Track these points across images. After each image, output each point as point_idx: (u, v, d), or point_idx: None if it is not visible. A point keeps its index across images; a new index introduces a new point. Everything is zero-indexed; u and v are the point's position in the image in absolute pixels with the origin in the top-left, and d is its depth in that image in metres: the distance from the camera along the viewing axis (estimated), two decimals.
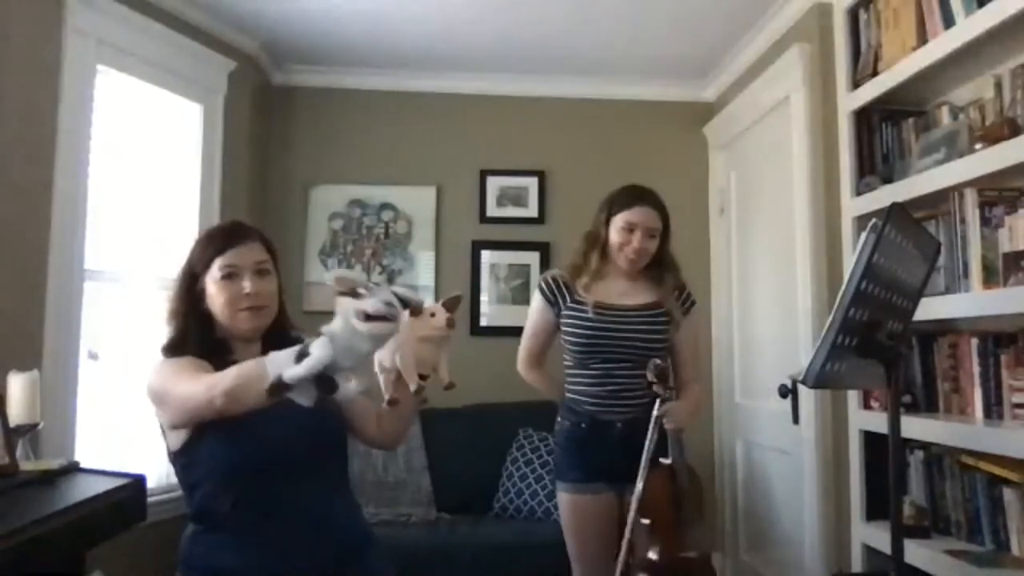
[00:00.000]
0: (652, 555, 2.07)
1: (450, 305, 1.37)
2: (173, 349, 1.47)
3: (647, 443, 2.01)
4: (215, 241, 1.49)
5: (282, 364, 1.18)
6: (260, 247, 1.52)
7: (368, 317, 1.15)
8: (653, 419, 2.04)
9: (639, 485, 2.00)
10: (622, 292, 2.24)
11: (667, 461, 2.09)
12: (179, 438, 1.42)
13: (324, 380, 1.18)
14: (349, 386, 1.23)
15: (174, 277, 1.52)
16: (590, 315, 2.19)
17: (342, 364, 1.19)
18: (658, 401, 2.06)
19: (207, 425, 1.35)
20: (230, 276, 1.45)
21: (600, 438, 2.17)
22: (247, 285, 1.45)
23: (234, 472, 1.38)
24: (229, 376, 1.25)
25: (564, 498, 2.24)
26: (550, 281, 2.29)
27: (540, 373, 2.37)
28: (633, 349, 2.17)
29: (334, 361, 1.17)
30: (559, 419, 2.30)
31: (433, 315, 1.34)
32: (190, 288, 1.48)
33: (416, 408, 1.51)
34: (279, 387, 1.17)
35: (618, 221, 2.21)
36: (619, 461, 2.13)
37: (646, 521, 2.06)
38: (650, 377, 2.08)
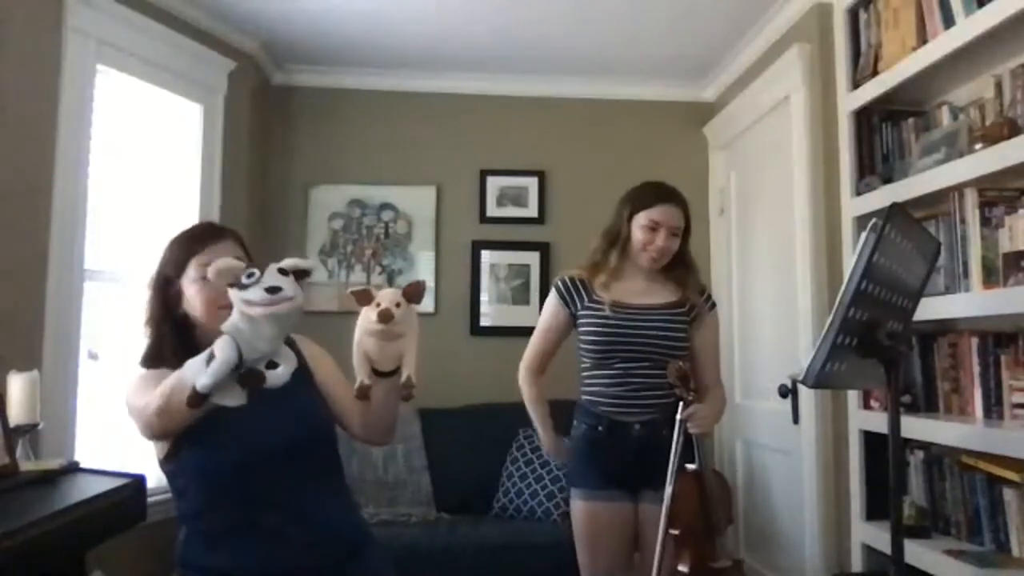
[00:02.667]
0: (682, 567, 1.99)
1: (410, 293, 1.26)
2: (150, 359, 1.45)
3: (673, 448, 1.94)
4: (190, 242, 1.47)
5: (196, 373, 1.12)
6: (236, 245, 1.49)
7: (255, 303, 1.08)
8: (677, 423, 1.97)
9: (667, 492, 1.92)
10: (640, 291, 2.19)
11: (693, 467, 2.02)
12: (162, 447, 1.41)
13: (248, 375, 1.11)
14: (278, 372, 1.16)
15: (146, 284, 1.49)
16: (608, 313, 2.14)
17: (258, 353, 1.12)
18: (681, 404, 1.99)
19: (186, 433, 1.33)
20: (207, 276, 1.44)
21: (617, 441, 2.11)
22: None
23: (218, 478, 1.36)
24: (157, 395, 1.24)
25: (577, 505, 2.16)
26: (567, 281, 2.24)
27: (538, 392, 2.28)
28: (653, 348, 2.12)
29: (245, 355, 1.10)
30: (575, 422, 2.23)
31: (379, 305, 1.24)
32: (164, 293, 1.46)
33: (395, 402, 1.42)
34: (197, 398, 1.11)
35: (641, 219, 2.16)
36: (635, 466, 2.08)
37: (675, 532, 1.98)
38: (671, 379, 2.01)
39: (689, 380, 2.03)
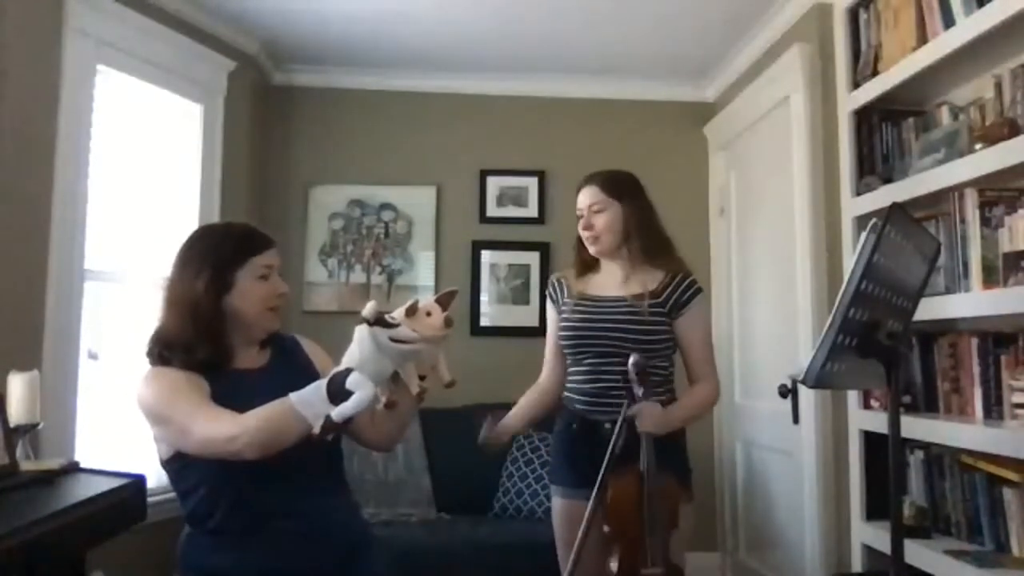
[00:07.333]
0: (612, 565, 1.91)
1: (445, 301, 1.35)
2: (165, 353, 1.44)
3: (612, 442, 1.85)
4: (253, 240, 1.52)
5: (318, 406, 1.24)
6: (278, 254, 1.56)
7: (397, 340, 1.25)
8: (621, 418, 1.89)
9: (597, 485, 1.84)
10: (611, 284, 2.12)
11: (636, 465, 1.90)
12: (167, 448, 1.42)
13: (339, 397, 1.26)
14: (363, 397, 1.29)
15: (189, 273, 1.48)
16: (572, 307, 2.11)
17: (379, 381, 1.32)
18: (626, 401, 1.91)
19: None
20: (265, 276, 1.49)
21: (588, 440, 2.04)
22: (281, 285, 1.52)
23: (226, 477, 1.37)
24: (253, 427, 1.28)
25: (554, 503, 2.14)
26: (552, 281, 2.25)
27: (533, 395, 2.21)
28: (619, 344, 2.02)
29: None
30: (557, 419, 2.20)
31: (429, 314, 1.31)
32: (221, 283, 1.46)
33: (415, 409, 1.51)
34: (330, 428, 1.24)
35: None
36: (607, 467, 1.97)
37: (606, 528, 1.91)
38: (630, 374, 1.90)
39: (648, 376, 1.92)
